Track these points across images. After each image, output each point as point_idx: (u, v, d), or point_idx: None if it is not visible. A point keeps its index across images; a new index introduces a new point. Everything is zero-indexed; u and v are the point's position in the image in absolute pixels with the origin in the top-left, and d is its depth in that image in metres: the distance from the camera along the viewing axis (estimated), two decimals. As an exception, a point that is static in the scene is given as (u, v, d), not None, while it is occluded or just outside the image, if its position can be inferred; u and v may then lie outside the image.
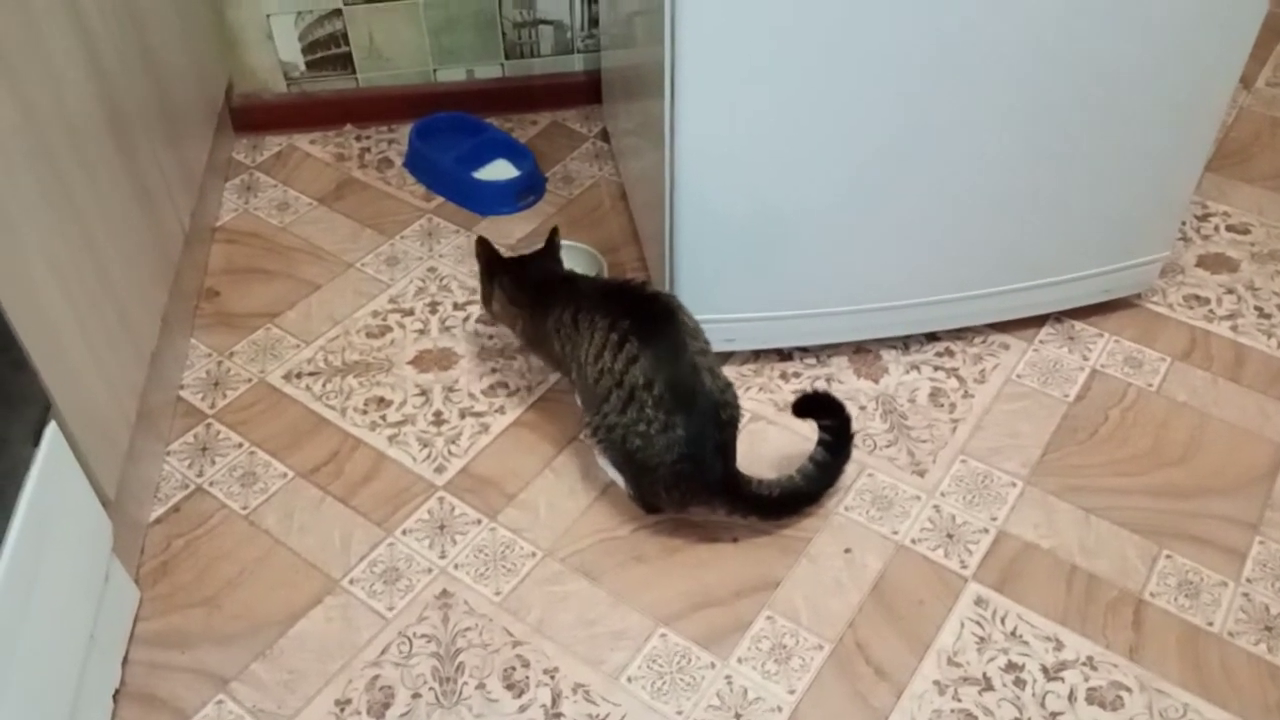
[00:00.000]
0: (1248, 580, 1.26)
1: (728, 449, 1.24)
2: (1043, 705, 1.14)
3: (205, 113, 1.75)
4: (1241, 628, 1.21)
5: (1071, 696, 1.15)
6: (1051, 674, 1.17)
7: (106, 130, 1.28)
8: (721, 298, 1.40)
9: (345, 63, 1.91)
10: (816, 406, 1.30)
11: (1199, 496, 1.34)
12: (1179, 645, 1.20)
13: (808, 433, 1.41)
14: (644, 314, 1.25)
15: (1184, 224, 1.74)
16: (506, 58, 1.96)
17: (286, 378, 1.50)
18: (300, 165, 1.89)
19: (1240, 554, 1.28)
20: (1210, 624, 1.22)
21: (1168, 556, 1.28)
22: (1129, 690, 1.16)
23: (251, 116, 1.93)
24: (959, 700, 1.15)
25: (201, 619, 1.22)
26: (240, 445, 1.41)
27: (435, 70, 1.95)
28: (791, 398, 1.45)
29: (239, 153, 1.91)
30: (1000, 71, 1.26)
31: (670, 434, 1.20)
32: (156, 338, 1.38)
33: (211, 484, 1.36)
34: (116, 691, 1.14)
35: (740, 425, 1.27)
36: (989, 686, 1.16)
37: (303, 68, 1.91)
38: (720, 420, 1.22)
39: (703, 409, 1.21)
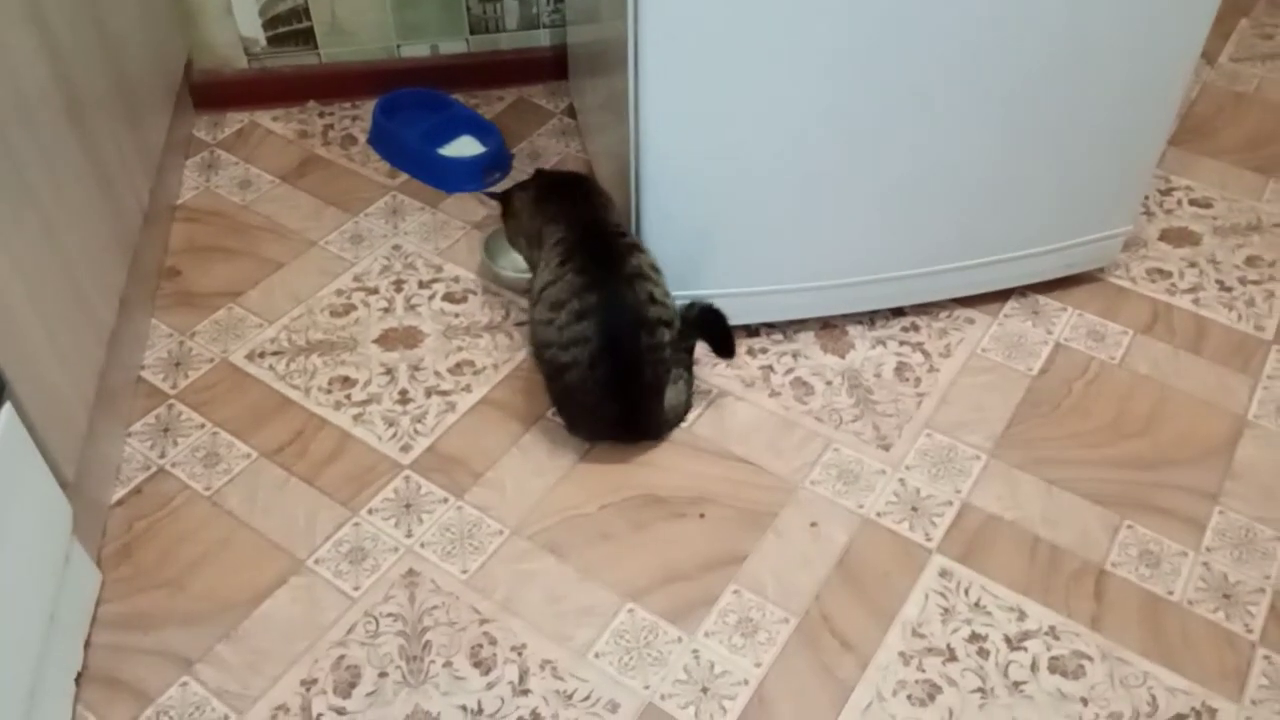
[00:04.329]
0: (1207, 549, 1.27)
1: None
2: (1006, 675, 1.16)
3: (164, 90, 1.72)
4: (1201, 596, 1.23)
5: (1034, 666, 1.16)
6: (1014, 644, 1.18)
7: (61, 109, 1.26)
8: (688, 274, 1.40)
9: (307, 38, 1.88)
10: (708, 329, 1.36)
11: (1160, 468, 1.36)
12: (1140, 614, 1.21)
13: (774, 408, 1.42)
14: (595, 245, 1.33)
15: (1147, 198, 1.75)
16: (471, 32, 1.94)
17: (249, 357, 1.49)
18: (262, 142, 1.86)
19: (1200, 524, 1.30)
20: (1170, 593, 1.23)
21: (1129, 527, 1.30)
22: (1090, 659, 1.17)
23: (212, 93, 1.90)
24: (923, 671, 1.16)
25: (165, 601, 1.21)
26: (203, 426, 1.40)
27: (399, 46, 1.92)
28: (759, 374, 1.46)
29: (199, 130, 1.88)
30: (962, 47, 1.26)
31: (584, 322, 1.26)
32: (115, 318, 1.36)
33: (174, 465, 1.35)
34: (79, 674, 1.13)
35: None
36: (953, 657, 1.17)
37: (264, 43, 1.88)
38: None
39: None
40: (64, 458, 1.14)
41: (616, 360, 1.27)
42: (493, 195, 1.54)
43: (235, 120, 1.90)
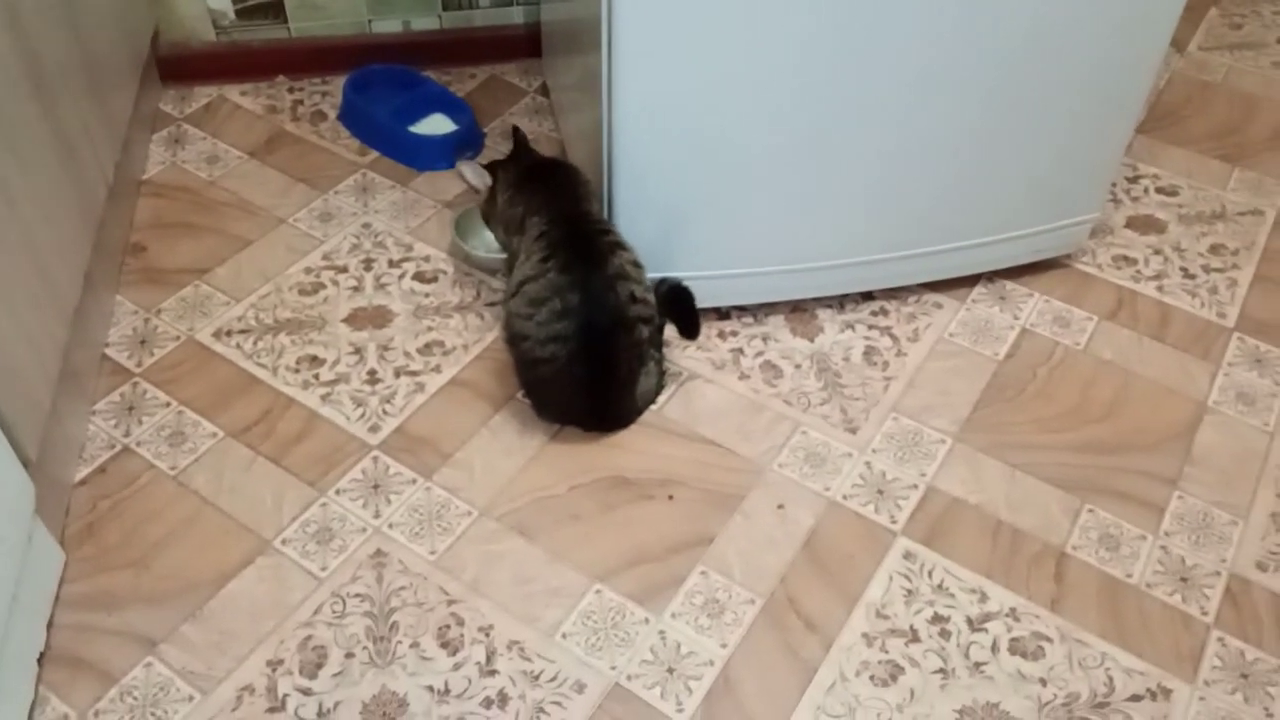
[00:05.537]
0: (1166, 534, 1.30)
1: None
2: (967, 656, 1.17)
3: (130, 62, 1.70)
4: (1158, 579, 1.25)
5: (995, 647, 1.18)
6: (976, 625, 1.20)
7: (24, 81, 1.24)
8: (660, 256, 1.40)
9: (277, 11, 1.86)
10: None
11: (1121, 453, 1.38)
12: (1098, 596, 1.23)
13: (743, 391, 1.43)
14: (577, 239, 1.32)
15: (1114, 186, 1.77)
16: (444, 8, 1.92)
17: (216, 335, 1.47)
18: (230, 117, 1.84)
19: (1159, 508, 1.32)
20: (1129, 576, 1.25)
21: (1090, 511, 1.31)
22: (1050, 640, 1.19)
23: (179, 66, 1.87)
24: (886, 652, 1.17)
25: (129, 581, 1.21)
26: (168, 404, 1.39)
27: (370, 21, 1.90)
28: (728, 357, 1.47)
29: (166, 104, 1.86)
30: (933, 33, 1.26)
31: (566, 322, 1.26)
32: (80, 294, 1.35)
33: (139, 444, 1.34)
34: (42, 655, 1.13)
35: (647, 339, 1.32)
36: (915, 638, 1.19)
37: (232, 16, 1.85)
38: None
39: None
40: (26, 436, 1.13)
41: (594, 360, 1.27)
42: (483, 165, 1.52)
43: (203, 94, 1.88)
